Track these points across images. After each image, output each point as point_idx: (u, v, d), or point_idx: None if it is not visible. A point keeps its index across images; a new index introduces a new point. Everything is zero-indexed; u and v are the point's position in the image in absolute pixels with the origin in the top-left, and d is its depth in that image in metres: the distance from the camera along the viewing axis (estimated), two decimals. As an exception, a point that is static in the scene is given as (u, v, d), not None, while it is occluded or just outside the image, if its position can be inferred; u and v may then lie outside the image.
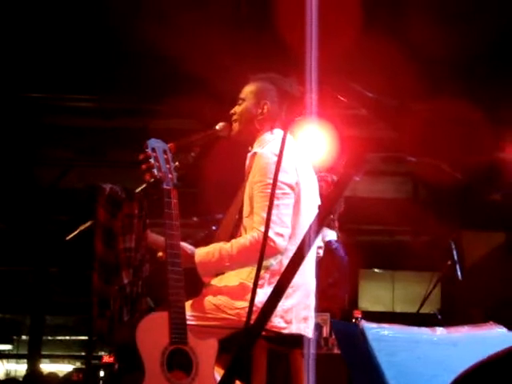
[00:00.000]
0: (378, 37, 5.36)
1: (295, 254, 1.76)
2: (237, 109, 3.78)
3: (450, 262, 5.73)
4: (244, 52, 5.80)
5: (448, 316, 6.32)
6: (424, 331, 1.87)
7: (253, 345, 1.72)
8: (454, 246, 5.80)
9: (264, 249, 2.57)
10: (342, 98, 1.62)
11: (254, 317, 3.23)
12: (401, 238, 9.79)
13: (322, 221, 1.52)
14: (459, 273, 5.65)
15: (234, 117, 3.77)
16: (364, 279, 8.89)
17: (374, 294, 9.10)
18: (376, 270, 9.33)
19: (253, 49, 5.77)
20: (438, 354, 1.78)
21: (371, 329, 1.80)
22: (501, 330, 1.84)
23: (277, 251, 3.41)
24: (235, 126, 3.77)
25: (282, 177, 3.48)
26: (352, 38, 5.13)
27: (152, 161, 3.41)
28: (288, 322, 3.47)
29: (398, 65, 5.03)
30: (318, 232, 1.56)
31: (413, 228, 9.30)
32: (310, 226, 1.58)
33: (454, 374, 1.59)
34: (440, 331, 1.85)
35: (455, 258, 5.71)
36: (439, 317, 5.80)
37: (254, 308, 3.36)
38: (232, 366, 1.71)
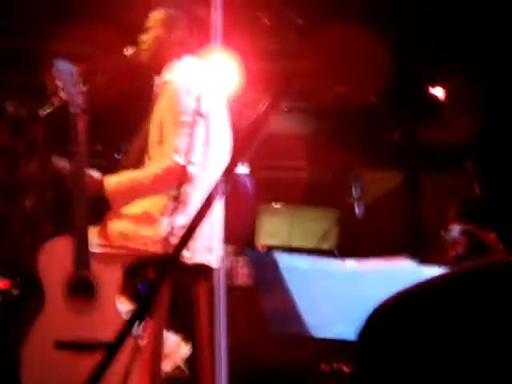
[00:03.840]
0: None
1: (210, 192, 1.73)
2: (145, 37, 3.71)
3: (350, 200, 5.82)
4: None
5: (345, 253, 6.44)
6: (335, 263, 1.90)
7: (169, 274, 1.70)
8: (354, 184, 5.89)
9: (184, 178, 2.55)
10: (268, 24, 1.59)
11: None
12: (301, 173, 9.88)
13: (242, 153, 1.50)
14: (358, 210, 5.75)
15: (143, 45, 3.70)
16: (263, 214, 8.95)
17: (272, 228, 9.19)
18: (274, 205, 9.40)
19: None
20: (348, 286, 1.80)
21: (284, 259, 1.81)
22: (412, 263, 1.88)
23: (189, 179, 3.40)
24: (144, 54, 3.69)
25: (192, 104, 3.45)
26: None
27: (59, 83, 3.32)
28: (192, 251, 3.46)
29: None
30: (236, 165, 1.54)
31: (314, 164, 9.40)
32: (230, 160, 1.55)
33: (364, 305, 1.61)
34: (350, 263, 1.88)
35: (355, 195, 5.80)
36: (337, 254, 5.91)
37: (161, 237, 3.39)
38: (148, 294, 1.69)
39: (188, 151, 3.39)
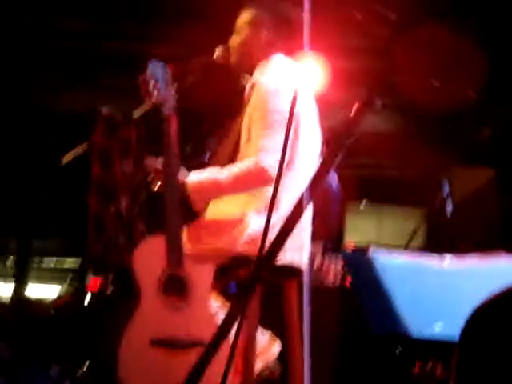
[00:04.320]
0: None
1: (302, 194, 1.73)
2: (235, 39, 3.73)
3: (440, 198, 5.74)
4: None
5: (435, 251, 6.35)
6: (432, 260, 1.87)
7: (263, 276, 1.71)
8: (444, 181, 5.80)
9: (279, 177, 2.55)
10: (360, 18, 1.59)
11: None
12: (389, 172, 9.79)
13: (338, 151, 1.50)
14: (449, 208, 5.66)
15: (233, 47, 3.72)
16: (351, 213, 8.90)
17: (361, 227, 9.13)
18: (363, 204, 9.34)
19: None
20: (447, 283, 1.78)
21: (380, 258, 1.80)
22: (508, 259, 1.84)
23: (273, 179, 3.39)
24: (234, 56, 3.71)
25: (281, 105, 3.45)
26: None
27: (152, 84, 3.37)
28: (282, 251, 3.46)
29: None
30: (333, 161, 1.54)
31: (400, 163, 9.30)
32: (326, 157, 1.55)
33: (464, 302, 1.59)
34: (448, 260, 1.86)
35: (445, 193, 5.71)
36: (427, 251, 5.82)
37: (251, 238, 3.41)
38: (243, 294, 1.70)
39: (275, 151, 3.40)
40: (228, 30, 3.78)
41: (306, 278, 3.56)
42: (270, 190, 3.46)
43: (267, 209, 3.44)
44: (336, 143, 1.66)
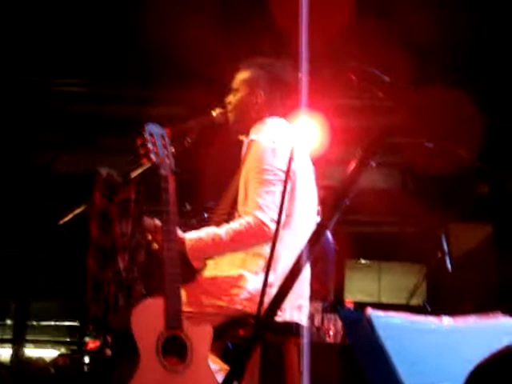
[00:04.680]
0: (368, 23, 5.36)
1: (300, 253, 1.74)
2: (231, 99, 3.77)
3: (440, 254, 5.74)
4: (235, 37, 5.78)
5: (436, 308, 6.33)
6: (431, 320, 1.87)
7: (263, 335, 1.71)
8: (444, 238, 5.81)
9: (277, 234, 2.56)
10: (355, 80, 1.61)
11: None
12: (388, 228, 9.80)
13: (338, 208, 1.51)
14: (449, 265, 5.66)
15: (229, 107, 3.76)
16: (350, 270, 8.89)
17: (361, 284, 9.11)
18: (363, 261, 9.33)
19: (243, 34, 5.75)
20: (447, 343, 1.78)
21: (379, 317, 1.79)
22: (508, 320, 1.84)
23: (271, 237, 3.40)
24: (231, 116, 3.75)
25: (278, 164, 3.48)
26: (342, 23, 5.12)
27: (150, 145, 3.39)
28: (282, 310, 3.46)
29: (388, 51, 5.04)
30: (332, 221, 1.55)
31: (400, 219, 9.31)
32: (324, 215, 1.57)
33: (464, 363, 1.59)
34: (447, 320, 1.85)
35: (445, 249, 5.71)
36: (429, 308, 5.81)
37: (250, 296, 3.40)
38: (242, 356, 1.69)
39: (272, 209, 3.41)
40: (225, 91, 3.83)
41: (305, 337, 3.55)
42: (266, 248, 3.46)
43: (264, 268, 3.44)
44: (333, 202, 1.67)
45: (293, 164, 3.52)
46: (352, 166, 1.56)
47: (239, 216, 3.54)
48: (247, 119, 3.72)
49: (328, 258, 5.43)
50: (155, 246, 3.48)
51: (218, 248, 3.48)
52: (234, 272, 3.50)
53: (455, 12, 5.63)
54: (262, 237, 3.41)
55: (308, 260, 1.67)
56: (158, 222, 3.45)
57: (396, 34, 5.50)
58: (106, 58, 6.34)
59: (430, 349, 1.75)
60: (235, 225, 3.45)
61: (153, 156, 3.38)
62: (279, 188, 3.45)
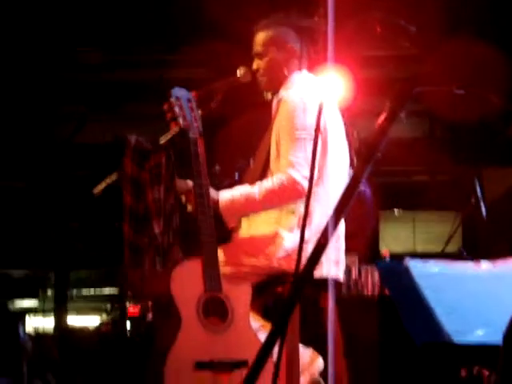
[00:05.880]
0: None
1: (336, 207, 1.73)
2: (259, 64, 3.69)
3: (473, 200, 5.70)
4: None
5: (472, 254, 6.32)
6: (469, 266, 1.87)
7: (302, 292, 1.72)
8: (477, 183, 5.77)
9: (310, 192, 2.56)
10: (380, 31, 1.60)
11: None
12: (419, 178, 9.75)
13: (368, 163, 1.51)
14: (484, 210, 5.62)
15: (260, 72, 3.69)
16: (384, 221, 8.86)
17: (395, 235, 9.09)
18: (396, 211, 9.31)
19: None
20: (486, 288, 1.78)
21: (416, 266, 1.80)
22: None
23: (304, 194, 3.40)
24: (264, 80, 3.69)
25: (308, 120, 3.47)
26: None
27: (177, 110, 3.40)
28: (319, 265, 3.46)
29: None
30: (364, 173, 1.55)
31: (431, 168, 9.26)
32: (356, 169, 1.56)
33: (504, 307, 1.59)
34: (485, 265, 1.85)
35: (479, 195, 5.67)
36: (465, 254, 5.79)
37: (286, 254, 3.42)
38: (283, 314, 1.71)
39: (304, 166, 3.41)
40: (248, 50, 3.78)
41: (331, 291, 3.56)
42: (300, 205, 3.47)
43: (299, 225, 3.45)
44: (364, 155, 1.67)
45: (322, 119, 3.50)
46: (381, 118, 1.55)
47: (272, 174, 3.54)
48: (281, 78, 3.68)
49: (365, 210, 5.41)
50: (190, 207, 3.50)
51: (252, 206, 3.49)
52: (269, 230, 3.51)
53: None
54: (295, 194, 3.41)
55: (343, 215, 1.67)
56: (189, 182, 3.46)
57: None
58: (125, 23, 6.31)
59: (470, 295, 1.76)
60: (268, 183, 3.46)
61: (180, 120, 3.38)
62: (311, 145, 3.44)
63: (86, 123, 6.96)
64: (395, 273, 1.85)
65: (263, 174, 3.59)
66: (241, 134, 5.42)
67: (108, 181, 3.54)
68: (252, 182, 3.54)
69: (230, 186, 3.68)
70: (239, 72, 3.73)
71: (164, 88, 3.55)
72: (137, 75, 7.16)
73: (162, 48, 6.71)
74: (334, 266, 3.53)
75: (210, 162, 3.56)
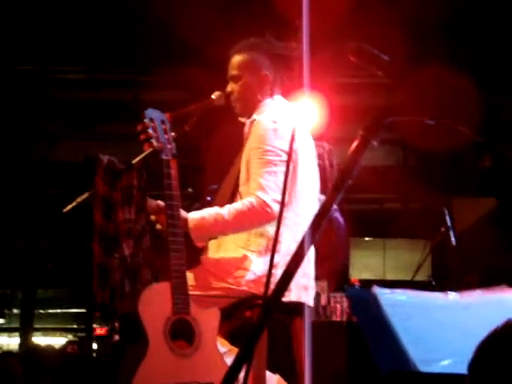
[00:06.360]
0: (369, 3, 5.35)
1: (306, 232, 1.73)
2: (233, 87, 3.71)
3: (443, 229, 5.74)
4: (235, 20, 5.76)
5: (441, 283, 6.36)
6: (436, 296, 1.88)
7: (270, 318, 1.71)
8: (446, 213, 5.81)
9: (281, 216, 2.56)
10: (354, 60, 1.61)
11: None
12: (391, 205, 9.81)
13: (339, 190, 1.51)
14: (453, 239, 5.66)
15: (234, 96, 3.70)
16: (355, 248, 8.90)
17: (365, 262, 9.13)
18: (366, 239, 9.34)
19: (244, 17, 5.73)
20: (452, 318, 1.78)
21: (384, 294, 1.80)
22: (513, 293, 1.84)
23: (273, 218, 3.40)
24: (237, 105, 3.70)
25: (280, 144, 3.47)
26: (345, 4, 5.11)
27: (150, 131, 3.39)
28: (288, 290, 3.47)
29: (387, 29, 5.03)
30: (335, 200, 1.55)
31: (402, 196, 9.33)
32: (328, 196, 1.57)
33: (470, 337, 1.59)
34: (452, 296, 1.86)
35: (449, 224, 5.71)
36: (434, 283, 5.82)
37: (255, 277, 3.42)
38: (251, 338, 1.70)
39: (274, 189, 3.41)
40: (223, 74, 3.79)
41: (307, 316, 3.55)
42: (268, 228, 3.47)
43: (268, 248, 3.45)
44: (336, 183, 1.67)
45: (294, 144, 3.51)
46: (353, 145, 1.56)
47: (241, 197, 3.54)
48: (254, 102, 3.68)
49: (336, 237, 5.42)
50: (158, 226, 3.48)
51: (221, 227, 3.48)
52: (237, 253, 3.50)
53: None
54: (265, 217, 3.41)
55: (313, 241, 1.67)
56: (160, 203, 3.45)
57: (392, 11, 5.49)
58: (102, 43, 6.31)
59: (437, 324, 1.76)
60: (238, 205, 3.45)
61: (154, 141, 3.38)
62: (281, 168, 3.45)
63: (58, 141, 6.95)
64: (363, 300, 1.85)
65: (232, 197, 3.59)
66: (214, 156, 5.43)
67: (79, 200, 3.52)
68: (221, 205, 3.53)
69: (202, 208, 3.68)
70: (214, 95, 3.73)
71: (138, 109, 3.55)
72: (111, 95, 7.16)
73: (137, 69, 6.72)
74: (303, 291, 3.52)
75: (182, 184, 3.55)
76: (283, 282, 1.74)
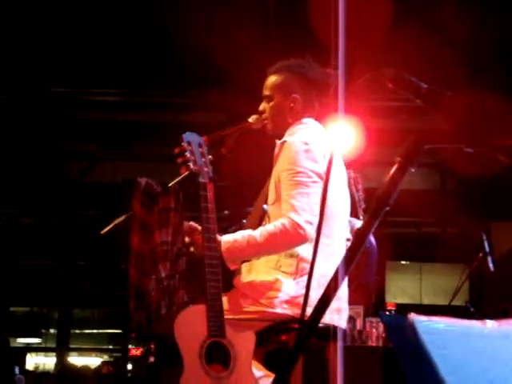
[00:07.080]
0: (408, 28, 5.34)
1: (344, 257, 1.73)
2: (266, 107, 3.74)
3: (481, 254, 5.69)
4: (273, 45, 5.79)
5: (478, 308, 6.28)
6: (474, 324, 1.85)
7: (307, 341, 1.71)
8: (485, 237, 5.76)
9: (318, 238, 2.55)
10: (393, 87, 1.61)
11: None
12: (428, 229, 9.74)
13: (377, 217, 1.51)
14: (491, 264, 5.60)
15: (265, 115, 3.73)
16: (391, 271, 8.85)
17: (402, 286, 9.06)
18: (403, 262, 9.28)
19: (283, 42, 5.76)
20: (491, 347, 1.76)
21: (421, 321, 1.78)
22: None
23: (306, 239, 3.39)
24: (268, 124, 3.73)
25: (311, 165, 3.47)
26: (383, 30, 5.11)
27: (188, 154, 3.41)
28: (321, 314, 3.44)
29: (432, 55, 5.01)
30: (372, 227, 1.55)
31: (440, 220, 9.25)
32: (365, 222, 1.56)
33: (510, 367, 1.57)
34: (490, 324, 1.83)
35: (487, 249, 5.66)
36: (472, 309, 5.76)
37: (289, 298, 3.40)
38: (287, 364, 1.69)
39: (306, 210, 3.40)
40: (260, 97, 3.81)
41: (341, 341, 3.52)
42: (299, 249, 3.46)
43: (299, 269, 3.45)
44: (373, 208, 1.66)
45: (325, 166, 3.50)
46: (391, 172, 1.55)
47: (269, 217, 3.54)
48: (285, 124, 3.70)
49: (370, 262, 5.40)
50: (192, 248, 3.49)
51: (254, 250, 3.47)
52: (268, 275, 3.50)
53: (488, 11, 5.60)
54: (298, 239, 3.40)
55: (350, 267, 1.67)
56: (193, 224, 3.46)
57: (430, 33, 5.48)
58: (141, 66, 6.37)
59: (475, 353, 1.74)
60: (270, 227, 3.45)
61: (191, 164, 3.39)
62: (313, 190, 3.44)
63: (96, 163, 7.01)
64: (399, 327, 1.83)
65: (261, 219, 3.59)
66: (251, 178, 5.44)
67: (116, 222, 3.55)
68: (251, 227, 3.53)
69: (237, 231, 3.68)
70: (251, 118, 3.75)
71: (175, 131, 3.57)
72: (149, 117, 7.22)
73: (174, 92, 6.77)
74: (335, 314, 3.50)
75: (219, 206, 3.56)
76: (320, 308, 1.73)
